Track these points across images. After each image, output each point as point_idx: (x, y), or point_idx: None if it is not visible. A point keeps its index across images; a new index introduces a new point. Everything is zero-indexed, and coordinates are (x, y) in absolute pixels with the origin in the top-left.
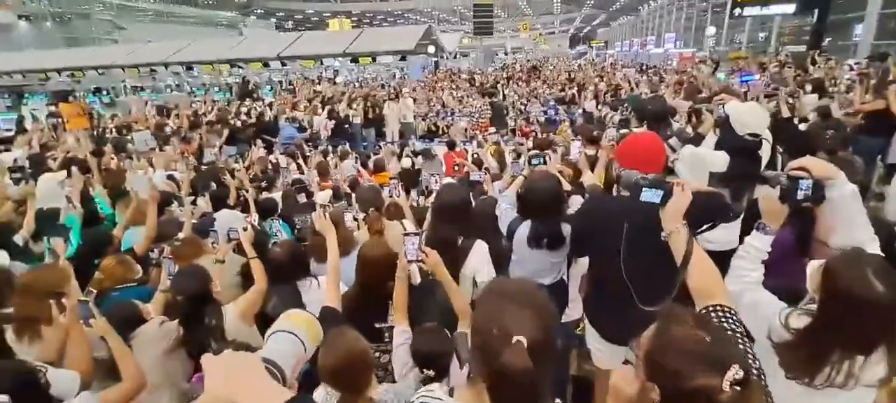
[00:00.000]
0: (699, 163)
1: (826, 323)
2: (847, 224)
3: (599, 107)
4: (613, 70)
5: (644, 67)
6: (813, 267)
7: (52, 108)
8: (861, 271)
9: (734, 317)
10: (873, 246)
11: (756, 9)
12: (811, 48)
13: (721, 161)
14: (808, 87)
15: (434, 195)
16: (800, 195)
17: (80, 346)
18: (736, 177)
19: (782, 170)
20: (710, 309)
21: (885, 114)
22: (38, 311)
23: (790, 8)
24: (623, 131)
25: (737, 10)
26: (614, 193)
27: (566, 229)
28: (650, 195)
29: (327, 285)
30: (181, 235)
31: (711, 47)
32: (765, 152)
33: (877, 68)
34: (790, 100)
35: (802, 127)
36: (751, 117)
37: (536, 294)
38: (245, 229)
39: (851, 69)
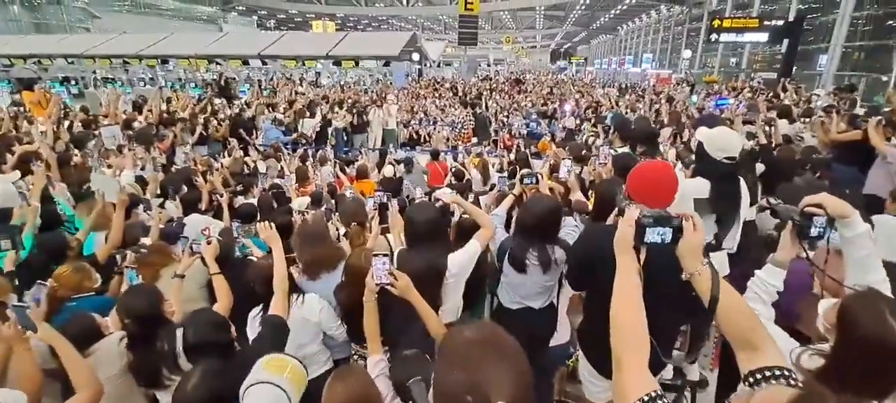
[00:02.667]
0: (680, 194)
1: (841, 365)
2: (859, 264)
3: (579, 123)
4: (592, 86)
5: (624, 86)
6: (825, 305)
7: (16, 97)
8: (879, 312)
9: (795, 382)
10: (885, 287)
11: (731, 35)
12: (782, 76)
13: (702, 187)
14: (774, 113)
15: (406, 219)
16: (813, 232)
17: (25, 362)
18: (722, 202)
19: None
20: (766, 373)
21: (860, 143)
22: None
23: (763, 36)
24: (618, 151)
25: (713, 36)
26: (611, 220)
27: (558, 253)
28: (656, 235)
29: (275, 296)
30: (147, 241)
31: (686, 70)
32: (744, 191)
33: (844, 99)
34: (766, 128)
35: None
36: (724, 140)
37: (508, 343)
38: (208, 242)
39: (818, 97)
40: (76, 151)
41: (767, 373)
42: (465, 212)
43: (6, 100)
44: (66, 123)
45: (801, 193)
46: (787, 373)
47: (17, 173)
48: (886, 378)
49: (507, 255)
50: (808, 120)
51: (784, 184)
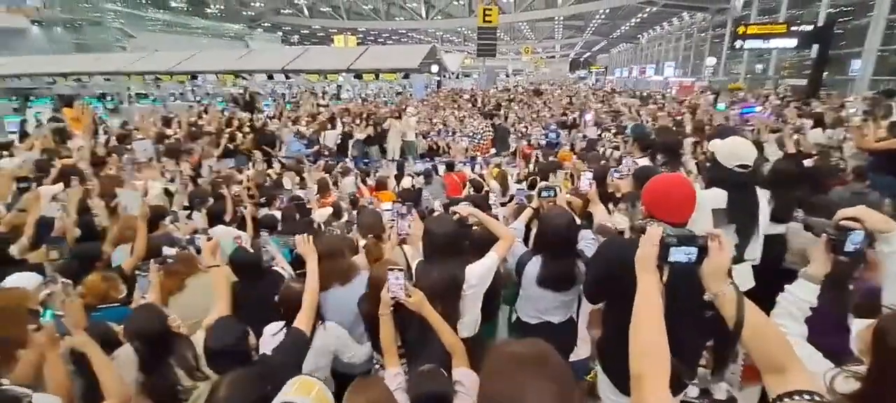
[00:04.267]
0: (698, 205)
1: (876, 389)
2: None
3: (600, 132)
4: (611, 95)
5: (645, 95)
6: (861, 326)
7: (57, 114)
8: None
9: None
10: None
11: (757, 42)
12: (812, 82)
13: (719, 197)
14: (809, 123)
15: (423, 231)
16: (849, 247)
17: (57, 368)
18: (739, 212)
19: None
20: (795, 397)
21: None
22: (14, 333)
23: (791, 42)
24: (638, 162)
25: (737, 42)
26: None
27: (579, 267)
28: (681, 255)
29: (303, 309)
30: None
31: (710, 78)
32: (765, 209)
33: (880, 105)
34: (795, 136)
35: (808, 162)
36: (735, 149)
37: (551, 359)
38: (209, 238)
39: (852, 103)
40: (114, 159)
41: (797, 398)
42: (477, 224)
43: (46, 116)
44: (104, 138)
45: (834, 208)
46: (816, 398)
47: (60, 185)
48: None
49: (537, 277)
50: (844, 126)
51: (817, 197)
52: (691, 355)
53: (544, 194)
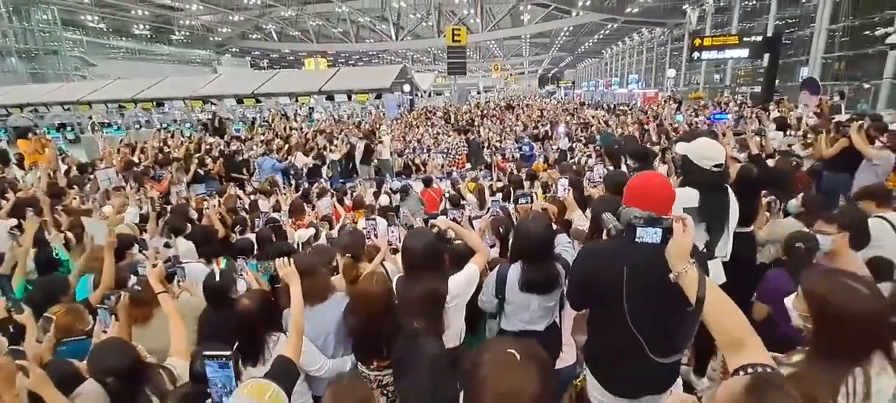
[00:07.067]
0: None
1: (821, 343)
2: None
3: (571, 143)
4: (581, 108)
5: (612, 106)
6: (790, 300)
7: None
8: (840, 282)
9: None
10: None
11: (712, 53)
12: (765, 89)
13: (692, 196)
14: (773, 125)
15: (401, 248)
16: None
17: None
18: (711, 211)
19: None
20: (749, 370)
21: (849, 149)
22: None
23: (744, 53)
24: (610, 168)
25: (695, 54)
26: (605, 236)
27: (558, 270)
28: (647, 234)
29: (289, 336)
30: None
31: (671, 88)
32: (733, 200)
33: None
34: (757, 139)
35: (770, 162)
36: (707, 150)
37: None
38: (154, 265)
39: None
40: (75, 191)
41: (750, 371)
42: (458, 238)
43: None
44: (64, 168)
45: None
46: (770, 369)
47: (14, 220)
48: (864, 338)
49: (518, 282)
50: (797, 132)
51: None
52: (682, 342)
53: (521, 201)
